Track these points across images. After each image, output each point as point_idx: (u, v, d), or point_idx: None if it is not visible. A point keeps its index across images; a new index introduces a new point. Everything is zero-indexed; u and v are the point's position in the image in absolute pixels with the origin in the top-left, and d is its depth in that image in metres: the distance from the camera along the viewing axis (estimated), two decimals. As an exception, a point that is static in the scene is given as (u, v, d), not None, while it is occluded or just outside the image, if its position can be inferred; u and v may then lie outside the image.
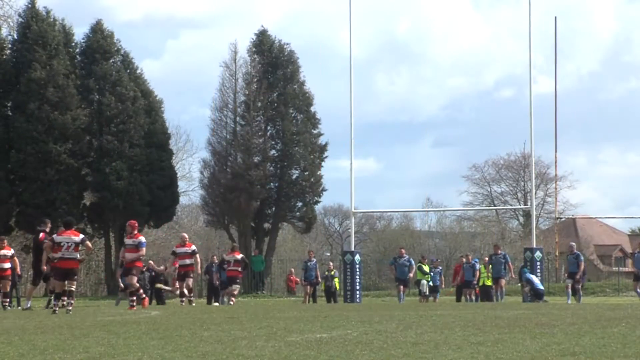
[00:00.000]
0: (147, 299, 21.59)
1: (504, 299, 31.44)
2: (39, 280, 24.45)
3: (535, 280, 30.29)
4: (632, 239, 74.53)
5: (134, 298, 21.22)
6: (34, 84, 43.89)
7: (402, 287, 31.58)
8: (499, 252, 32.55)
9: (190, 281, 26.51)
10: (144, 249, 21.64)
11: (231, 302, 27.71)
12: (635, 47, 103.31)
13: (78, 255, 19.29)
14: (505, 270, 32.01)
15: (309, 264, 32.83)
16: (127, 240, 21.74)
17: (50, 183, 43.67)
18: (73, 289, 19.32)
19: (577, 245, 33.03)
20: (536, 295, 29.50)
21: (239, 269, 28.45)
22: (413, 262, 32.39)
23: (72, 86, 44.79)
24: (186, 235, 28.19)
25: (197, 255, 26.89)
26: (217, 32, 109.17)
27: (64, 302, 19.13)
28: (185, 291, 26.13)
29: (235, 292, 28.63)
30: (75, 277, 19.58)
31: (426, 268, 32.54)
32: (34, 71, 43.84)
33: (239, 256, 28.81)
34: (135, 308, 20.69)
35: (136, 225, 22.40)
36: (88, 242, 19.82)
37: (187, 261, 26.31)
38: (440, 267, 34.70)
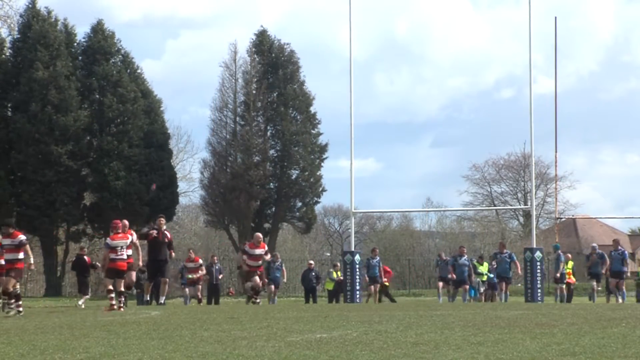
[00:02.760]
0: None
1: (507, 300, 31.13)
2: (152, 278, 24.68)
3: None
4: (631, 239, 74.44)
5: (122, 299, 20.19)
6: (35, 84, 43.83)
7: (465, 286, 29.98)
8: (505, 250, 31.45)
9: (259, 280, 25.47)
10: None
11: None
12: (634, 47, 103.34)
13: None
14: (511, 270, 31.39)
15: (372, 261, 31.94)
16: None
17: (50, 184, 43.65)
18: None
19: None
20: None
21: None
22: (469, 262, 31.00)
23: (73, 88, 44.76)
24: (261, 236, 26.59)
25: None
26: (217, 32, 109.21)
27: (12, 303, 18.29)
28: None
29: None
30: None
31: (482, 268, 31.52)
32: (36, 71, 43.78)
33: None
34: (108, 310, 19.41)
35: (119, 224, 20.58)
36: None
37: (260, 262, 25.09)
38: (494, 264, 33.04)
